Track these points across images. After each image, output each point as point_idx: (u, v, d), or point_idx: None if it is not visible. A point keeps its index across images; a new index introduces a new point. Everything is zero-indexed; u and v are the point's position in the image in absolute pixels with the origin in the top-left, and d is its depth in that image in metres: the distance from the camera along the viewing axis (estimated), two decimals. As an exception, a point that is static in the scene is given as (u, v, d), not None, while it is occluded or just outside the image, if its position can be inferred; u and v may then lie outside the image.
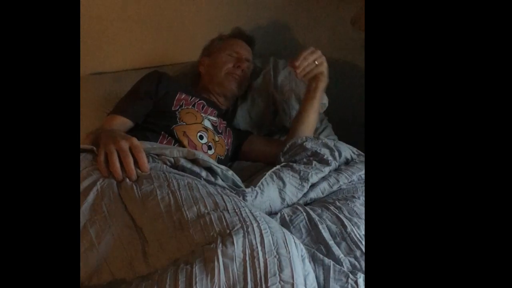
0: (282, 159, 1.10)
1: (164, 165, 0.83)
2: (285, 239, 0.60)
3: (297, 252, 0.60)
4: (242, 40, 1.40)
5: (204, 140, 1.16)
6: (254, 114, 1.46)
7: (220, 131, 1.25)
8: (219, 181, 0.88)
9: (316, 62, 1.16)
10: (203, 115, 1.22)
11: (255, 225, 0.60)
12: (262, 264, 0.55)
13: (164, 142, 1.11)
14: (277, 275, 0.54)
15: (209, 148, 1.17)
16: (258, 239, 0.58)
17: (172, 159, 0.85)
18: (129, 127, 1.16)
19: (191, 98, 1.24)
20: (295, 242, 0.61)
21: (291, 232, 0.78)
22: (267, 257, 0.56)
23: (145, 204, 0.67)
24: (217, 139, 1.21)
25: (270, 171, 0.99)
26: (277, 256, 0.56)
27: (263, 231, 0.59)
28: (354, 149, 1.13)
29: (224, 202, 0.66)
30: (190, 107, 1.21)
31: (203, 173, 0.87)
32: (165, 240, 0.62)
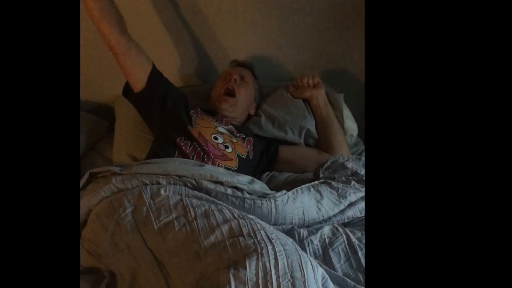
0: (321, 175, 1.10)
1: (185, 187, 0.82)
2: (301, 262, 0.58)
3: (313, 275, 0.58)
4: (236, 66, 1.46)
5: (220, 141, 1.19)
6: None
7: (237, 136, 1.27)
8: (246, 194, 0.88)
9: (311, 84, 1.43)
10: (216, 123, 1.26)
11: (269, 247, 0.59)
12: None
13: (182, 144, 1.14)
14: None
15: (226, 147, 1.19)
16: (272, 262, 0.57)
17: (193, 181, 0.85)
18: (146, 71, 1.23)
19: (205, 113, 1.31)
20: (312, 265, 0.60)
21: (330, 256, 0.78)
22: (280, 280, 0.55)
23: (164, 237, 0.67)
24: (234, 140, 1.23)
25: (308, 184, 1.00)
26: (291, 280, 0.55)
27: (277, 254, 0.58)
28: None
29: (240, 227, 0.65)
30: (205, 116, 1.28)
31: (229, 191, 0.86)
32: (185, 272, 0.62)
